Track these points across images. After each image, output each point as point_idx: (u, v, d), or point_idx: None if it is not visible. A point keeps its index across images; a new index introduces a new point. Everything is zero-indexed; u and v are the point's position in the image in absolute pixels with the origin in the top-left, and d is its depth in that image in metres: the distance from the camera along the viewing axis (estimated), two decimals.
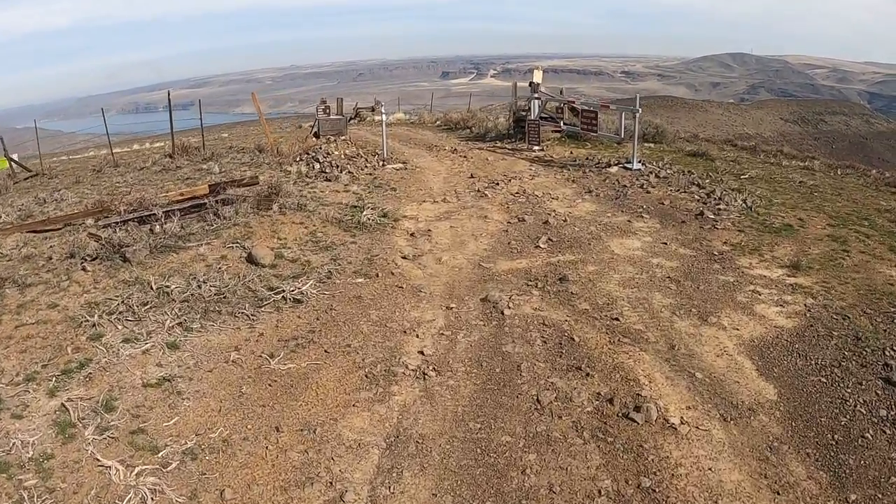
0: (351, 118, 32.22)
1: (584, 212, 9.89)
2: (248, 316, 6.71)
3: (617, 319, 6.29)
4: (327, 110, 18.96)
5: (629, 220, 9.32)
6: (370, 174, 13.23)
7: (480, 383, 5.49)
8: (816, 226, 9.25)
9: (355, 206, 10.30)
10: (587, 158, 14.32)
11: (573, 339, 5.97)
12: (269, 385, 5.57)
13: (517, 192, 11.17)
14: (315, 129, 18.80)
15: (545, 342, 5.98)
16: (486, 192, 11.23)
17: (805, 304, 6.64)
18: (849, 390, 5.16)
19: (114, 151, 22.46)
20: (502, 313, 6.59)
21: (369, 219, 9.62)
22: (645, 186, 11.09)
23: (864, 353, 5.65)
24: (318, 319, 6.71)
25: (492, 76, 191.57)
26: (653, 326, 6.14)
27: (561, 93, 18.71)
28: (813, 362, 5.59)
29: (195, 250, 8.10)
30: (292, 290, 7.21)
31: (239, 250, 8.15)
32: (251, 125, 33.12)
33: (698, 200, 10.23)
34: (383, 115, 16.21)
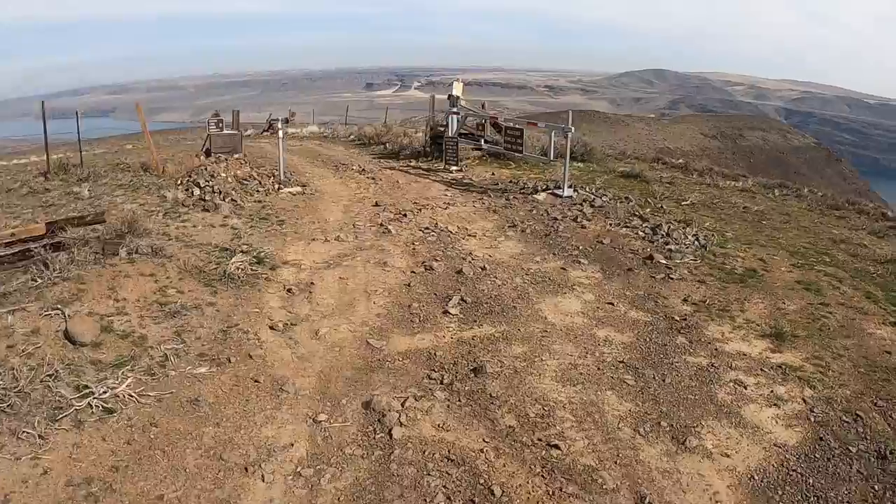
0: (264, 130, 29.21)
1: (507, 255, 7.83)
2: (35, 437, 4.12)
3: (556, 447, 4.14)
4: (220, 124, 16.06)
5: (563, 268, 7.33)
6: (259, 201, 10.69)
7: None
8: (780, 267, 7.72)
9: (227, 249, 7.78)
10: (511, 182, 12.42)
11: (492, 492, 3.78)
12: None
13: (428, 227, 8.98)
14: (206, 146, 15.94)
15: (449, 498, 3.77)
16: (390, 227, 8.97)
17: (804, 399, 4.83)
18: None
19: None
20: (390, 434, 4.32)
21: (239, 267, 7.13)
22: (579, 219, 9.21)
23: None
24: (129, 444, 4.20)
25: (416, 88, 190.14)
26: (609, 459, 4.04)
27: (483, 107, 16.82)
28: None
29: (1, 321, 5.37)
30: (103, 392, 4.65)
31: (59, 319, 5.48)
32: (171, 134, 29.40)
33: (644, 238, 8.43)
34: (280, 131, 13.59)
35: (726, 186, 13.80)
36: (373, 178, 13.05)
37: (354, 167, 14.53)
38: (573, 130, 10.49)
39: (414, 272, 7.12)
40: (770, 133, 51.76)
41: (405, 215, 9.66)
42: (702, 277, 7.21)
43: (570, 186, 10.89)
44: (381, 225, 9.16)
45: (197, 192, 10.67)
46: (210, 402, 4.76)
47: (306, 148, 19.26)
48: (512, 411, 4.53)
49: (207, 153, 15.21)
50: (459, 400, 4.70)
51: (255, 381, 5.06)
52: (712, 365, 5.23)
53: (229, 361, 5.30)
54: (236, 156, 14.31)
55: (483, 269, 7.17)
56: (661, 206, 10.62)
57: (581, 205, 10.20)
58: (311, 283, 6.93)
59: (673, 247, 8.09)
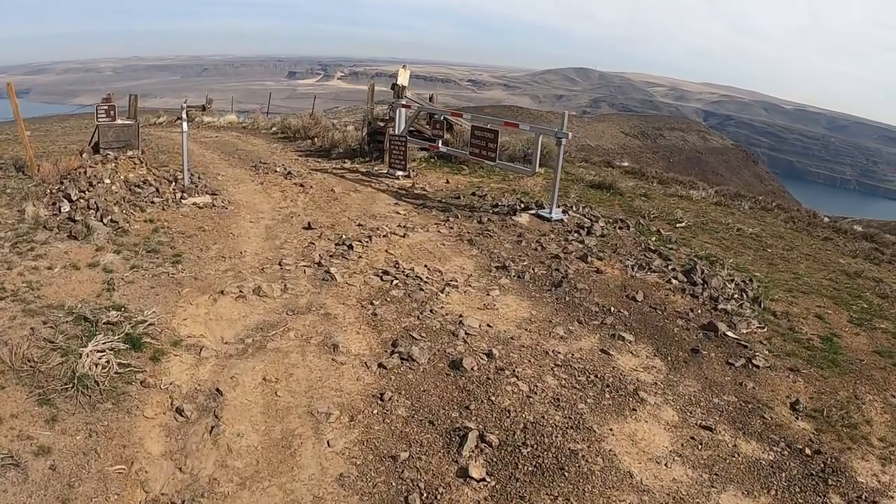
0: (178, 118, 24.57)
1: (513, 323, 5.22)
2: None
3: None
4: (112, 112, 12.05)
5: (605, 351, 4.80)
6: (152, 220, 7.44)
7: None
8: (843, 328, 5.95)
9: (86, 319, 4.63)
10: (474, 194, 9.84)
11: None
12: None
13: (386, 269, 6.17)
14: (94, 140, 12.05)
15: None
16: (332, 268, 6.08)
17: None
18: None
19: None
20: None
21: (99, 361, 4.07)
22: (588, 258, 6.76)
23: None
24: None
25: (339, 78, 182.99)
26: None
27: (430, 99, 14.05)
28: None
29: None
30: None
31: None
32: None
33: (683, 291, 6.12)
34: (184, 123, 10.03)
35: (699, 199, 12.11)
36: (301, 185, 10.01)
37: (278, 168, 11.38)
38: (569, 136, 8.02)
39: (384, 366, 4.31)
40: (689, 134, 52.62)
41: (351, 247, 6.79)
42: (786, 359, 5.00)
43: (560, 207, 8.46)
44: (319, 264, 6.26)
45: (66, 207, 7.24)
46: None
47: (222, 140, 15.72)
48: None
49: (96, 148, 11.40)
50: None
51: None
52: None
53: None
54: (130, 153, 10.62)
55: (490, 355, 4.51)
56: (660, 231, 8.55)
57: (578, 232, 7.80)
58: (217, 391, 3.97)
59: (724, 304, 5.85)
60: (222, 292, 5.46)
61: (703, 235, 9.00)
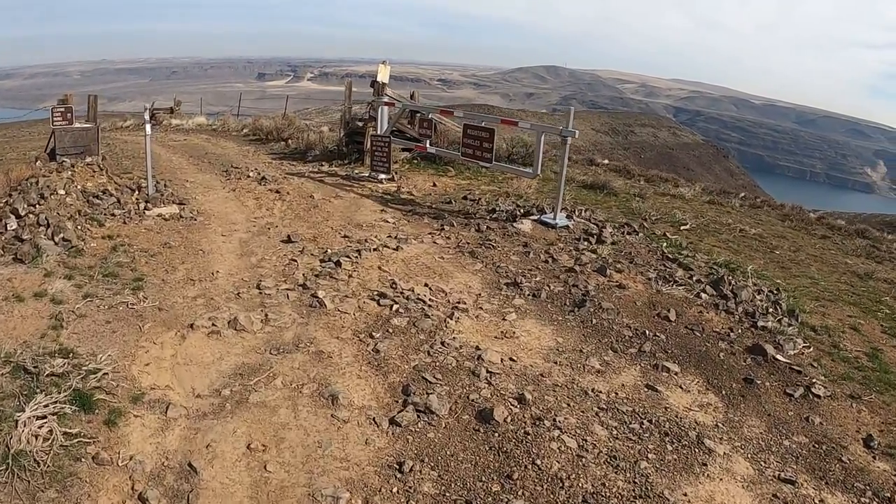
0: (145, 121, 22.89)
1: (539, 354, 4.47)
2: None
3: None
4: (69, 115, 10.81)
5: (652, 386, 4.08)
6: (111, 236, 6.48)
7: None
8: (880, 339, 5.47)
9: (25, 370, 3.70)
10: (466, 198, 9.11)
11: None
12: None
13: (382, 290, 5.37)
14: (50, 145, 10.85)
15: None
16: (319, 291, 5.23)
17: None
18: None
19: None
20: None
21: (39, 433, 3.19)
22: (606, 270, 6.06)
23: None
24: None
25: (309, 79, 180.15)
26: None
27: (412, 98, 13.24)
28: None
29: None
30: None
31: None
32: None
33: (716, 306, 5.47)
34: (147, 126, 8.91)
35: (690, 197, 11.66)
36: (277, 192, 9.11)
37: (251, 173, 10.44)
38: (576, 134, 7.31)
39: (397, 423, 3.49)
40: (660, 130, 52.88)
41: (338, 263, 5.96)
42: (843, 384, 4.42)
43: (564, 212, 7.77)
44: (304, 286, 5.41)
45: (12, 224, 6.21)
46: None
47: (191, 144, 14.63)
48: None
49: (52, 155, 10.22)
50: None
51: None
52: None
53: None
54: (89, 159, 9.52)
55: (522, 400, 3.75)
56: (666, 235, 8.00)
57: (587, 240, 7.12)
58: (191, 467, 3.12)
59: (762, 321, 5.22)
60: (192, 326, 4.58)
61: (709, 238, 8.49)
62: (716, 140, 74.02)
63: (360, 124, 12.10)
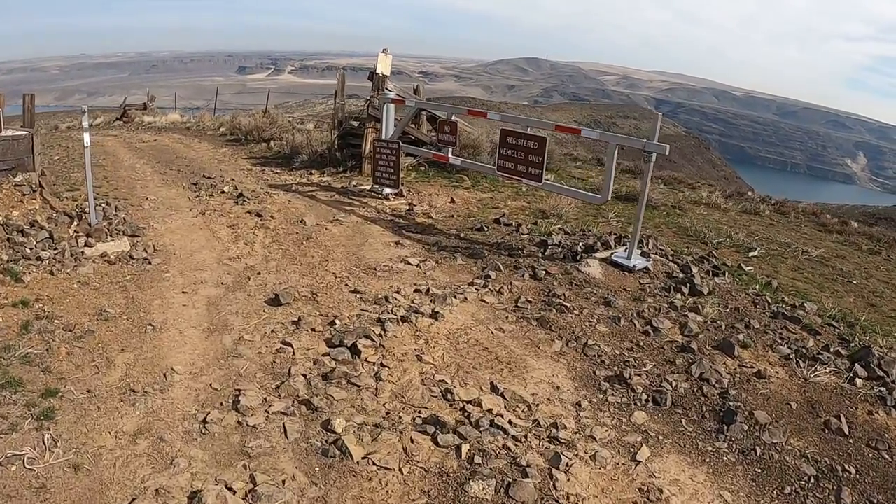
0: (118, 118, 20.39)
1: None
2: None
3: None
4: None
5: None
6: (27, 301, 4.37)
7: None
8: None
9: None
10: (498, 221, 7.25)
11: None
12: None
13: (432, 405, 3.37)
14: None
15: None
16: (334, 417, 3.20)
17: None
18: None
19: None
20: None
21: None
22: (732, 348, 4.18)
23: None
24: None
25: (290, 72, 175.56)
26: None
27: (415, 92, 11.17)
28: None
29: None
30: None
31: None
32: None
33: (880, 399, 3.61)
34: (86, 133, 6.47)
35: (725, 207, 10.04)
36: (259, 215, 7.04)
37: (226, 187, 8.34)
38: (666, 150, 5.39)
39: None
40: (642, 122, 51.60)
41: (355, 350, 3.93)
42: None
43: (640, 249, 5.86)
44: (309, 405, 3.37)
45: None
46: None
47: (161, 146, 12.42)
48: None
49: None
50: None
51: None
52: None
53: None
54: (20, 177, 7.12)
55: None
56: (741, 266, 6.44)
57: (680, 290, 5.22)
58: None
59: None
60: (134, 500, 2.56)
61: (782, 267, 6.90)
62: (697, 132, 73.07)
63: (356, 124, 10.05)
